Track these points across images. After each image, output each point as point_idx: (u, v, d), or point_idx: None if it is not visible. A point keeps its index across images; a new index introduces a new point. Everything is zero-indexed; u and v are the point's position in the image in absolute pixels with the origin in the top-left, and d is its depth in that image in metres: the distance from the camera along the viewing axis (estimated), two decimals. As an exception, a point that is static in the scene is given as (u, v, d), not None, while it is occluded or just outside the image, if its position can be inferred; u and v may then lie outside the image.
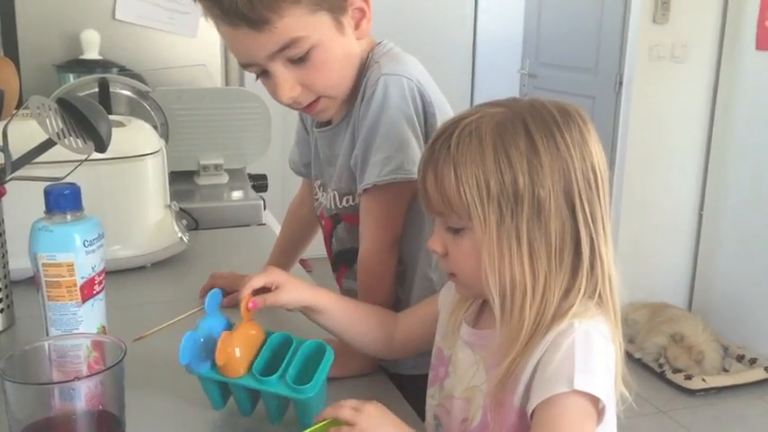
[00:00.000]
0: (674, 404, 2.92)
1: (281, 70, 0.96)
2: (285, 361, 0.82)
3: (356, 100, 1.03)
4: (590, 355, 0.72)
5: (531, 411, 0.73)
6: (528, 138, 0.75)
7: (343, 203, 1.10)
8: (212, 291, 0.88)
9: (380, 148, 0.99)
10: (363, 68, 1.03)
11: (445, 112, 1.04)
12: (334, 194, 1.12)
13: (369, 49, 1.05)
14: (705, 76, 3.34)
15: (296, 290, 0.91)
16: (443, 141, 0.77)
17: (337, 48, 0.97)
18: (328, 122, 1.11)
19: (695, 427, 2.78)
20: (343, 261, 1.16)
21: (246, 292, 0.87)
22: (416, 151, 0.98)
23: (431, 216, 0.82)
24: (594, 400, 0.71)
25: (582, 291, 0.76)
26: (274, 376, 0.80)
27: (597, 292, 0.77)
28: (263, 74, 0.99)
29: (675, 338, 3.08)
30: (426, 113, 1.02)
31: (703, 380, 2.97)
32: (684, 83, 3.33)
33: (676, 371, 3.03)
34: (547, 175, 0.74)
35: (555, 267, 0.75)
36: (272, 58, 0.95)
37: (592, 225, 0.76)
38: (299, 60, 0.95)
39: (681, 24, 3.24)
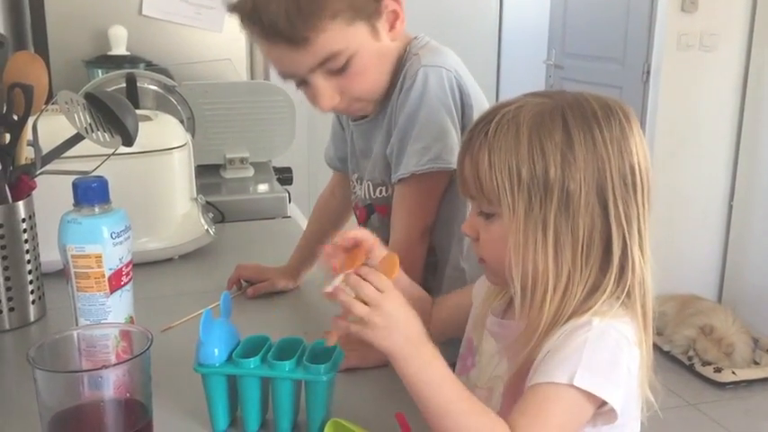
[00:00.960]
0: (704, 397, 2.89)
1: (320, 82, 0.98)
2: (296, 355, 0.82)
3: (393, 92, 1.05)
4: (600, 354, 0.72)
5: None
6: (565, 131, 0.75)
7: (377, 194, 1.12)
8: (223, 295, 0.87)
9: (419, 137, 1.00)
10: (401, 62, 1.05)
11: (481, 103, 1.05)
12: (369, 184, 1.13)
13: (405, 44, 1.07)
14: (735, 65, 3.29)
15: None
16: (482, 127, 0.78)
17: (374, 53, 0.99)
18: (365, 115, 1.12)
19: (725, 420, 2.75)
20: None
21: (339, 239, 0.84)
22: (454, 141, 1.00)
23: (465, 199, 0.83)
24: (594, 399, 0.71)
25: (608, 291, 0.75)
26: (289, 361, 0.81)
27: (626, 294, 0.76)
28: (303, 83, 1.01)
29: (705, 331, 3.04)
30: (464, 104, 1.03)
31: (733, 372, 2.93)
32: (714, 72, 3.28)
33: (706, 363, 2.99)
34: (579, 169, 0.74)
35: (580, 263, 0.75)
36: (312, 71, 0.97)
37: (625, 225, 0.75)
38: (339, 70, 0.98)
39: (710, 12, 3.19)
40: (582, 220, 0.74)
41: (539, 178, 0.74)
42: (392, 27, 1.01)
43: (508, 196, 0.75)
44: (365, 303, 0.72)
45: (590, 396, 0.70)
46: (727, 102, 3.33)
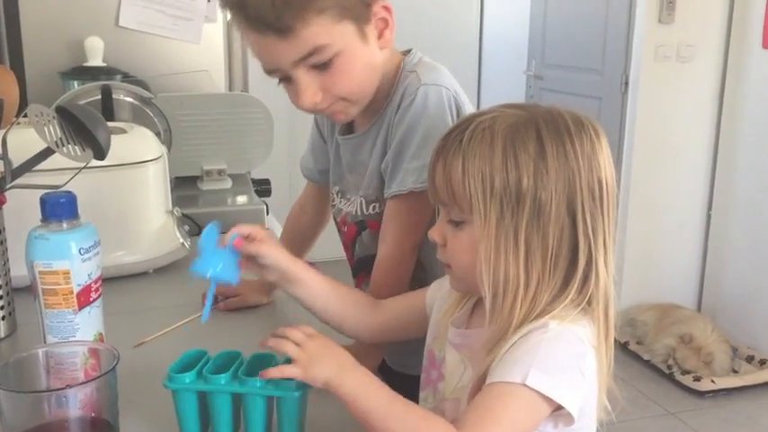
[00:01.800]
0: (683, 406, 2.91)
1: (303, 77, 0.98)
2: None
3: (387, 108, 1.06)
4: (554, 355, 0.73)
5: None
6: (538, 142, 0.76)
7: (370, 210, 1.12)
8: (208, 226, 0.91)
9: (418, 155, 1.01)
10: (395, 77, 1.05)
11: None
12: (362, 201, 1.13)
13: (397, 59, 1.07)
14: (711, 75, 3.32)
15: (277, 249, 0.95)
16: (457, 134, 0.79)
17: (360, 56, 0.99)
18: (351, 130, 1.12)
19: (704, 428, 2.77)
20: (364, 267, 1.17)
21: (234, 231, 0.92)
22: None
23: (435, 205, 0.84)
24: (548, 400, 0.71)
25: (568, 299, 0.76)
26: (257, 378, 0.80)
27: (585, 302, 0.77)
28: (286, 79, 1.00)
29: (684, 339, 3.06)
30: None
31: (712, 381, 2.95)
32: (691, 83, 3.31)
33: (685, 372, 3.01)
34: (551, 180, 0.75)
35: (549, 271, 0.76)
36: (296, 65, 0.96)
37: (591, 237, 0.77)
38: (323, 66, 0.97)
39: (686, 24, 3.22)
40: (552, 230, 0.76)
41: (511, 188, 0.75)
42: (381, 35, 1.01)
43: (480, 204, 0.76)
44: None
45: (544, 397, 0.71)
46: (705, 112, 3.37)
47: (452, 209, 0.80)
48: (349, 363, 0.77)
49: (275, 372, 0.77)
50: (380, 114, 1.07)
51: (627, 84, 3.38)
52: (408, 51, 1.10)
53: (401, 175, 1.02)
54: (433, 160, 0.82)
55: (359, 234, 1.16)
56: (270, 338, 0.80)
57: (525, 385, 0.70)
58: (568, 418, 0.73)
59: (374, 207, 1.12)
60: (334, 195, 1.20)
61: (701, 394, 2.94)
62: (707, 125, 3.39)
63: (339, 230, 1.22)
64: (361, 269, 1.19)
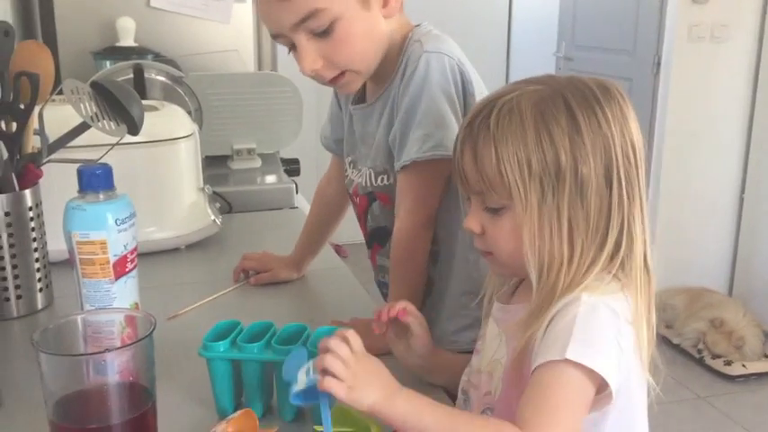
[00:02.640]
0: (714, 390, 2.88)
1: (303, 42, 0.98)
2: (300, 341, 0.83)
3: (394, 78, 1.04)
4: (591, 328, 0.71)
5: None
6: (569, 115, 0.74)
7: (379, 182, 1.11)
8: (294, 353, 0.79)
9: (420, 124, 1.00)
10: (401, 48, 1.04)
11: (482, 92, 1.05)
12: (370, 172, 1.13)
13: (406, 30, 1.06)
14: (746, 56, 3.26)
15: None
16: (482, 120, 0.76)
17: (361, 22, 0.98)
18: (364, 100, 1.11)
19: (735, 413, 2.74)
20: (377, 239, 1.17)
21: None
22: (455, 129, 0.98)
23: (465, 195, 0.82)
24: (592, 375, 0.70)
25: (599, 265, 0.75)
26: (292, 346, 0.81)
27: (617, 268, 0.76)
28: (292, 47, 1.00)
29: (715, 324, 3.03)
30: (466, 92, 1.02)
31: (743, 366, 2.92)
32: (725, 64, 3.25)
33: (716, 356, 2.98)
34: (588, 152, 0.74)
35: (591, 242, 0.75)
36: (296, 29, 0.96)
37: (626, 202, 0.75)
38: (323, 33, 0.97)
39: (721, 4, 3.16)
40: (593, 202, 0.74)
41: (550, 167, 0.74)
42: (386, 3, 1.00)
43: (520, 189, 0.74)
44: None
45: (586, 371, 0.70)
46: (739, 94, 3.31)
47: (488, 197, 0.77)
48: (395, 386, 0.72)
49: (323, 385, 0.70)
50: (388, 84, 1.06)
51: (659, 65, 3.33)
52: (419, 25, 1.08)
53: (407, 146, 1.01)
54: (459, 150, 0.79)
55: (369, 205, 1.16)
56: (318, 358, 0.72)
57: (567, 360, 0.69)
58: (610, 397, 0.72)
59: (382, 179, 1.11)
60: (347, 166, 1.20)
61: (731, 378, 2.91)
62: (740, 108, 3.33)
63: (352, 202, 1.22)
64: (372, 241, 1.19)
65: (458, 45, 1.06)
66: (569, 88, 0.76)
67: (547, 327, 0.73)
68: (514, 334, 0.77)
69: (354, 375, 0.70)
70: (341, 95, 1.22)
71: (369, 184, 1.13)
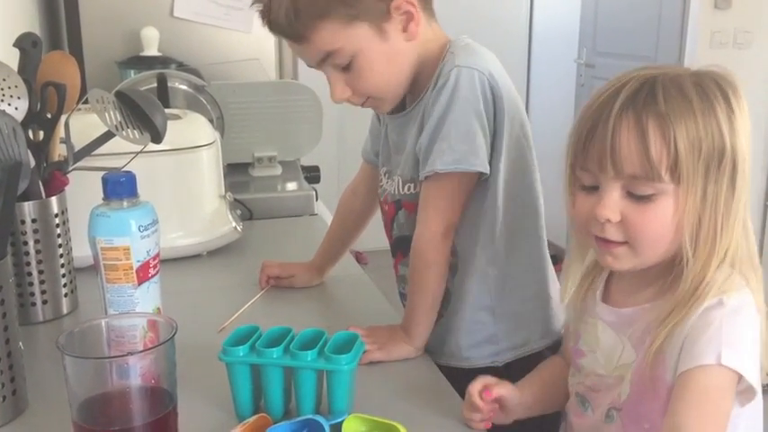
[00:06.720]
0: None
1: (332, 73, 1.03)
2: (319, 345, 0.84)
3: (428, 89, 1.06)
4: (738, 331, 0.71)
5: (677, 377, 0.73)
6: (724, 98, 0.73)
7: (405, 190, 1.13)
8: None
9: (446, 137, 1.01)
10: (440, 58, 1.06)
11: (515, 106, 1.05)
12: (399, 180, 1.14)
13: (443, 40, 1.08)
14: (770, 62, 3.23)
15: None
16: (647, 95, 0.72)
17: (380, 53, 1.01)
18: (403, 108, 1.13)
19: None
20: (400, 248, 1.18)
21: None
22: (481, 144, 1.01)
23: (591, 183, 0.77)
24: (735, 377, 0.70)
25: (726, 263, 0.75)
26: (311, 351, 0.83)
27: (735, 256, 0.76)
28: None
29: None
30: (496, 108, 1.03)
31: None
32: (747, 70, 3.22)
33: None
34: (741, 136, 0.73)
35: (731, 228, 0.74)
36: (322, 64, 1.03)
37: (746, 191, 0.75)
38: (345, 67, 1.02)
39: (743, 10, 3.14)
40: (744, 188, 0.74)
41: (716, 150, 0.72)
42: (405, 29, 1.02)
43: (689, 172, 0.71)
44: None
45: (734, 374, 0.70)
46: (762, 100, 3.28)
47: (639, 182, 0.72)
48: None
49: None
50: (423, 94, 1.08)
51: (681, 71, 3.31)
52: (459, 38, 1.09)
53: (431, 157, 1.03)
54: (612, 130, 0.73)
55: (396, 213, 1.17)
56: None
57: (721, 365, 0.69)
58: (745, 394, 0.72)
59: (409, 187, 1.12)
60: (382, 176, 1.22)
61: None
62: (764, 113, 3.30)
63: (381, 210, 1.24)
64: (397, 249, 1.20)
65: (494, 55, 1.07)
66: (706, 74, 0.74)
67: (687, 334, 0.72)
68: (641, 338, 0.76)
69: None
70: None
71: (397, 191, 1.15)
